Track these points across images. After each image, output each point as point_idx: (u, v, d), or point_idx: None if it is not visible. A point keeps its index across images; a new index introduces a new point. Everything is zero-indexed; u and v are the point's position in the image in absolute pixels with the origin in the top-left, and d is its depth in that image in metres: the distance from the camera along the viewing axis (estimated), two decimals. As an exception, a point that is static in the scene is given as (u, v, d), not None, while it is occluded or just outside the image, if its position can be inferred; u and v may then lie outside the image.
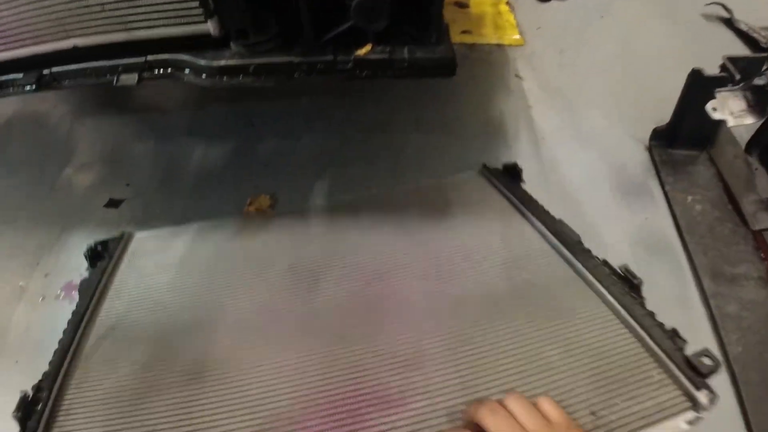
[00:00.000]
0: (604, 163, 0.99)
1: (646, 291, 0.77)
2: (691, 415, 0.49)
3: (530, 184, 0.92)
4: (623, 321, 0.58)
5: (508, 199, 0.80)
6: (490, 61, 1.19)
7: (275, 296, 0.69)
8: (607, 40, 1.24)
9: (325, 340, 0.60)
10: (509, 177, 0.85)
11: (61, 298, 0.80)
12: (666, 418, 0.49)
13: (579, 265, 0.66)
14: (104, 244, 0.79)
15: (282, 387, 0.56)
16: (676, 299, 0.79)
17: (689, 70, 0.87)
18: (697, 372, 0.51)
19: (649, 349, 0.55)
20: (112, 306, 0.70)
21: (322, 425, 0.53)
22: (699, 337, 0.73)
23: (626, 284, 0.63)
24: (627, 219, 0.90)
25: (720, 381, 0.66)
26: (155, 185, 0.95)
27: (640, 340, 0.56)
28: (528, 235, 0.73)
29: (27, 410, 0.58)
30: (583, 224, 0.87)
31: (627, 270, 0.63)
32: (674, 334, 0.56)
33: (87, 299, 0.69)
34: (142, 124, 1.08)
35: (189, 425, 0.55)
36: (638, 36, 1.25)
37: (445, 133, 1.06)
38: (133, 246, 0.80)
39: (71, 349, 0.64)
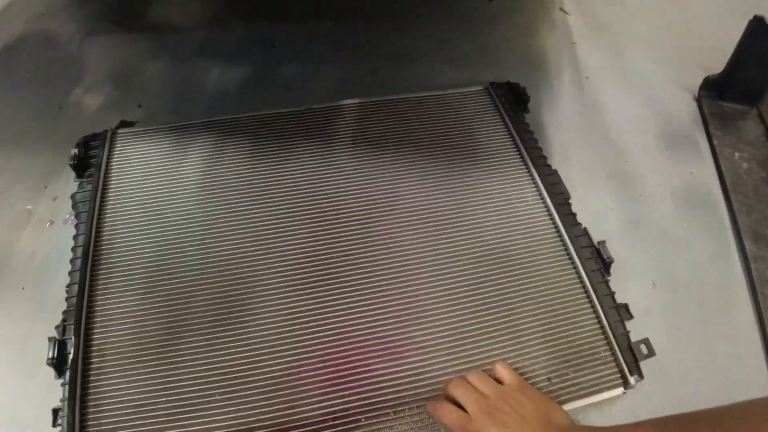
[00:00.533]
0: (649, 110, 0.94)
1: (686, 246, 0.77)
2: (620, 391, 0.60)
3: (573, 126, 0.91)
4: (589, 297, 0.65)
5: (509, 130, 0.80)
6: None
7: (278, 224, 0.69)
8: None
9: (334, 286, 0.63)
10: (514, 101, 0.83)
11: (69, 222, 0.76)
12: (602, 390, 0.59)
13: (563, 231, 0.69)
14: (87, 145, 0.75)
15: (297, 333, 0.60)
16: (715, 257, 0.76)
17: (750, 17, 0.81)
18: (634, 357, 0.60)
19: (603, 328, 0.63)
20: (114, 231, 0.68)
21: (334, 370, 0.58)
22: (734, 300, 0.72)
23: (599, 260, 0.67)
24: (670, 171, 0.86)
25: (751, 345, 0.67)
26: (168, 107, 0.89)
27: (598, 318, 0.63)
28: (524, 185, 0.75)
29: (60, 356, 0.58)
30: (625, 172, 0.88)
31: (602, 246, 0.68)
32: (626, 311, 0.64)
33: (87, 224, 0.67)
34: (155, 43, 1.01)
35: (218, 367, 0.58)
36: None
37: (480, 66, 0.99)
38: (120, 148, 0.76)
39: (86, 284, 0.62)
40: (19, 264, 0.75)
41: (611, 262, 0.67)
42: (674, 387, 0.64)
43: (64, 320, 0.61)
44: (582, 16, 1.07)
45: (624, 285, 0.69)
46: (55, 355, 0.57)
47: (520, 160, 0.76)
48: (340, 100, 0.81)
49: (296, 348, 0.59)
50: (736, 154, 0.86)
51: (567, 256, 0.67)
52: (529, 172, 0.75)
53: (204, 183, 0.72)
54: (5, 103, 0.92)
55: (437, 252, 0.67)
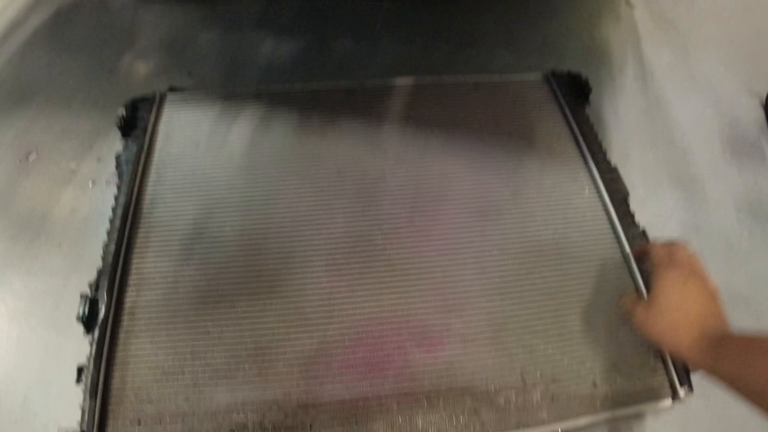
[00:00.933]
0: (715, 113, 0.90)
1: (746, 259, 0.74)
2: (668, 403, 0.55)
3: (634, 123, 0.87)
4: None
5: (568, 122, 0.75)
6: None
7: (322, 200, 0.66)
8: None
9: (374, 267, 0.61)
10: (575, 92, 0.78)
11: (112, 183, 0.77)
12: (649, 400, 0.55)
13: (619, 230, 0.64)
14: (135, 108, 0.74)
15: (334, 311, 0.58)
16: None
17: None
18: (685, 368, 0.56)
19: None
20: (156, 194, 0.67)
21: (368, 353, 0.56)
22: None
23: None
24: (734, 178, 0.83)
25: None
26: (219, 77, 0.89)
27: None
28: (580, 179, 0.70)
29: (90, 313, 0.57)
30: (686, 175, 0.84)
31: None
32: None
33: (129, 185, 0.66)
34: (209, 13, 1.01)
35: (249, 338, 0.56)
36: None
37: (539, 55, 0.95)
38: (168, 112, 0.75)
39: (123, 244, 0.62)
40: (58, 221, 0.75)
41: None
42: (724, 404, 0.60)
43: (97, 279, 0.60)
44: (648, 12, 1.02)
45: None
46: (86, 313, 0.56)
47: (578, 152, 0.71)
48: (393, 79, 0.79)
49: (331, 325, 0.57)
50: (806, 160, 0.82)
51: (622, 257, 0.63)
52: (587, 165, 0.70)
53: (250, 152, 0.70)
54: (57, 64, 0.94)
55: (484, 241, 0.63)
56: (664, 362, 0.56)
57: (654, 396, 0.55)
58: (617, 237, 0.64)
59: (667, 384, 0.56)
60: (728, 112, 0.90)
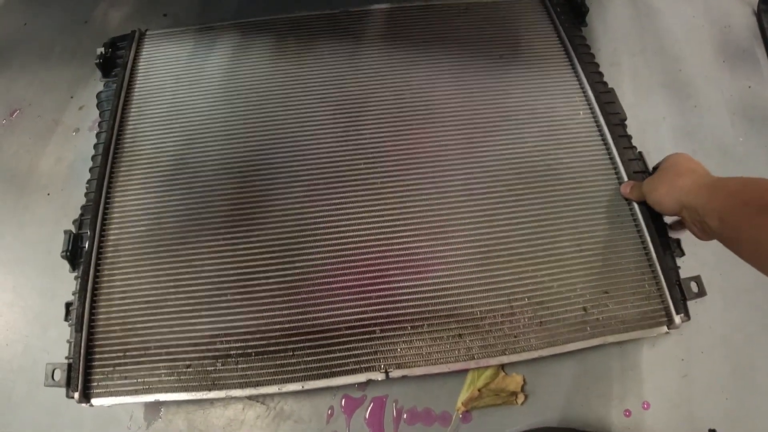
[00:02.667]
0: (706, 21, 0.90)
1: (741, 159, 0.75)
2: (663, 329, 0.56)
3: (624, 31, 0.87)
4: (638, 226, 0.60)
5: (563, 43, 0.73)
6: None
7: (303, 126, 0.66)
8: None
9: (358, 193, 0.61)
10: (571, 12, 0.77)
11: (95, 129, 0.77)
12: (642, 327, 0.55)
13: (615, 153, 0.63)
14: (114, 46, 0.75)
15: (317, 238, 0.59)
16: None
17: None
18: (682, 294, 0.56)
19: (650, 260, 0.58)
20: (137, 129, 0.67)
21: (351, 279, 0.56)
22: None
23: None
24: (728, 84, 0.83)
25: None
26: (194, 15, 0.89)
27: (646, 249, 0.59)
28: (575, 102, 0.69)
29: (74, 249, 0.59)
30: (679, 83, 0.83)
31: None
32: (678, 246, 0.59)
33: (110, 121, 0.67)
34: None
35: (232, 267, 0.57)
36: None
37: None
38: (147, 49, 0.75)
39: (105, 179, 0.63)
40: (44, 171, 0.77)
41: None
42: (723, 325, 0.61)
43: (81, 215, 0.61)
44: None
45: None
46: (69, 248, 0.58)
47: (573, 75, 0.70)
48: (379, 3, 0.77)
49: (313, 253, 0.57)
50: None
51: (617, 180, 0.62)
52: (582, 88, 0.68)
53: (229, 83, 0.70)
54: (32, 18, 0.94)
55: (474, 164, 0.62)
56: (659, 288, 0.56)
57: (648, 323, 0.55)
58: (613, 161, 0.63)
59: (662, 310, 0.56)
60: (720, 19, 0.91)
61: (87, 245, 0.58)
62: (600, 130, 0.65)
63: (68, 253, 0.58)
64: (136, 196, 0.62)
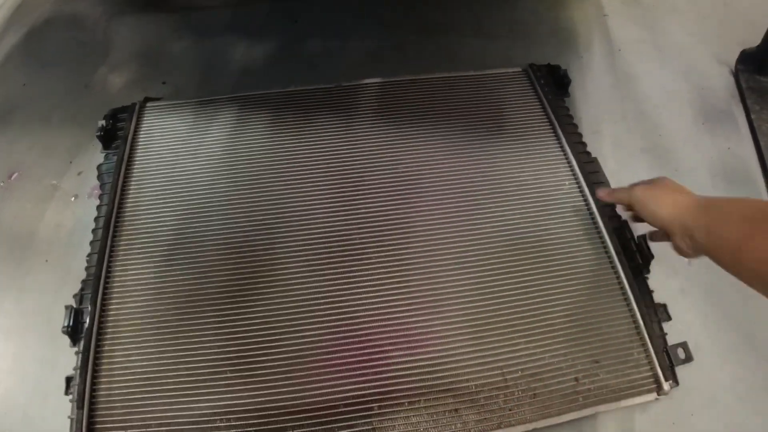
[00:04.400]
0: (685, 84, 0.95)
1: None
2: (652, 397, 0.59)
3: (604, 99, 0.92)
4: (625, 295, 0.64)
5: (547, 114, 0.79)
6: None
7: (301, 202, 0.70)
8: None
9: (353, 269, 0.65)
10: (554, 84, 0.83)
11: (94, 196, 0.80)
12: (632, 395, 0.58)
13: (600, 222, 0.68)
14: (114, 117, 0.79)
15: (314, 315, 0.62)
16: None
17: None
18: (669, 361, 0.60)
19: (638, 329, 0.62)
20: (138, 202, 0.71)
21: (348, 356, 0.59)
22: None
23: (639, 255, 0.66)
24: (708, 146, 0.87)
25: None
26: (193, 84, 0.93)
27: (634, 318, 0.62)
28: (560, 173, 0.74)
29: (75, 324, 0.62)
30: (660, 148, 0.88)
31: (643, 240, 0.65)
32: (665, 311, 0.63)
33: (110, 194, 0.70)
34: (180, 22, 1.06)
35: (231, 344, 0.60)
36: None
37: (508, 39, 1.01)
38: (147, 120, 0.79)
39: (106, 253, 0.66)
40: (43, 237, 0.80)
41: (652, 258, 0.65)
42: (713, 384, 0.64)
43: (82, 289, 0.64)
44: (613, -12, 1.06)
45: (658, 262, 0.66)
46: (71, 324, 0.60)
47: (558, 145, 0.75)
48: (369, 78, 0.82)
49: (312, 330, 0.60)
50: (775, 129, 0.84)
51: (604, 249, 0.66)
52: (567, 158, 0.73)
53: (229, 158, 0.74)
54: (33, 82, 0.99)
55: (465, 238, 0.66)
56: (648, 356, 0.60)
57: (638, 390, 0.59)
58: (598, 230, 0.67)
59: (651, 377, 0.59)
60: (698, 82, 0.95)
61: (87, 321, 0.61)
62: (585, 200, 0.70)
63: (69, 329, 0.60)
64: (136, 270, 0.65)
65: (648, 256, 0.65)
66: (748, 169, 0.84)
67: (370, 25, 1.03)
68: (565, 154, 0.74)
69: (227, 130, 0.78)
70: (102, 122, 0.77)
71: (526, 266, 0.65)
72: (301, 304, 0.62)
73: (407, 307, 0.62)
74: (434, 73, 0.84)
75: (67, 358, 0.60)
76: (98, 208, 0.70)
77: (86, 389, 0.57)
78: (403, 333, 0.60)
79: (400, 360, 0.59)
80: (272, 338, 0.60)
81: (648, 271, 0.65)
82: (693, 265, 0.72)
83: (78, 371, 0.58)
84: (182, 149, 0.76)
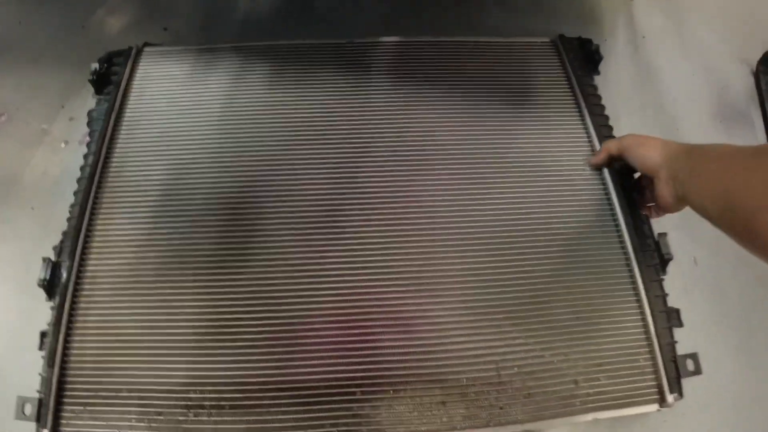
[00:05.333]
0: (705, 80, 0.95)
1: None
2: (654, 408, 0.55)
3: (624, 87, 0.90)
4: (637, 296, 0.59)
5: (573, 91, 0.73)
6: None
7: (297, 166, 0.66)
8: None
9: (347, 243, 0.61)
10: (584, 60, 0.77)
11: (85, 143, 0.78)
12: (633, 405, 0.55)
13: (619, 215, 0.63)
14: (110, 61, 0.74)
15: (301, 289, 0.58)
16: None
17: None
18: (677, 371, 0.56)
19: (647, 333, 0.58)
20: (126, 154, 0.67)
21: (334, 336, 0.57)
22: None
23: (657, 254, 0.61)
24: None
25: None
26: (195, 32, 0.89)
27: (644, 321, 0.58)
28: (582, 156, 0.69)
29: (52, 278, 0.59)
30: (675, 141, 0.82)
31: (662, 239, 0.62)
32: (677, 317, 0.59)
33: (98, 143, 0.67)
34: None
35: (211, 312, 0.58)
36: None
37: (530, 14, 0.98)
38: (143, 67, 0.75)
39: (88, 206, 0.63)
40: (30, 183, 0.77)
41: (669, 259, 0.60)
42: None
43: (61, 242, 0.61)
44: (642, -26, 1.02)
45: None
46: (47, 277, 0.58)
47: (582, 127, 0.70)
48: (386, 37, 0.77)
49: (299, 305, 0.57)
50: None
51: (620, 244, 0.61)
52: (590, 141, 0.68)
53: (226, 112, 0.70)
54: (27, 20, 0.94)
55: (471, 218, 0.62)
56: (654, 364, 0.56)
57: (639, 400, 0.55)
58: (616, 223, 0.62)
59: (654, 387, 0.56)
60: (719, 79, 0.94)
61: (65, 275, 0.59)
62: (605, 189, 0.65)
63: (46, 282, 0.58)
64: (119, 226, 0.62)
65: (665, 258, 0.60)
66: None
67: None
68: (589, 138, 0.69)
69: (227, 81, 0.73)
70: (95, 65, 0.72)
71: (535, 254, 0.60)
72: (289, 276, 0.59)
73: (401, 288, 0.58)
74: (455, 37, 0.77)
75: (44, 310, 0.58)
76: (85, 156, 0.67)
77: (58, 348, 0.55)
78: (394, 316, 0.57)
79: (388, 344, 0.56)
80: (256, 310, 0.57)
81: (665, 273, 0.61)
82: (699, 266, 0.71)
83: (51, 328, 0.56)
84: (178, 100, 0.71)
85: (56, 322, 0.56)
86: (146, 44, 0.77)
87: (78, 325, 0.57)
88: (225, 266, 0.60)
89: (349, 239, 0.61)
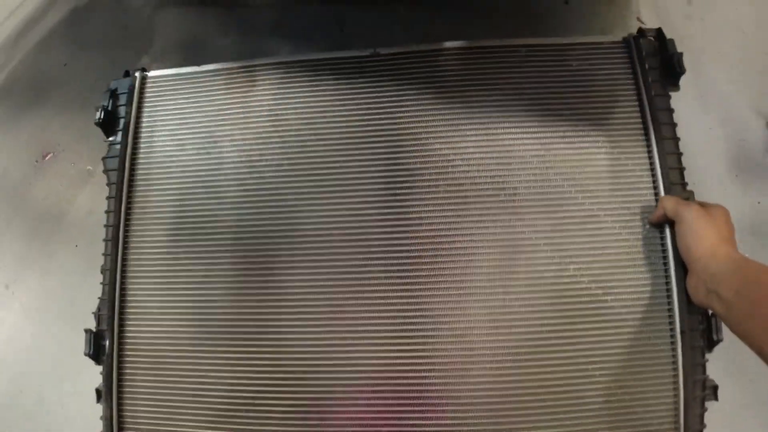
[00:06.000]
0: (722, 132, 0.95)
1: None
2: None
3: None
4: (675, 378, 0.55)
5: (641, 106, 0.62)
6: (610, -1, 1.08)
7: (341, 188, 0.62)
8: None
9: (377, 316, 0.58)
10: (662, 67, 0.63)
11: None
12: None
13: (673, 285, 0.56)
14: (114, 97, 0.69)
15: (330, 363, 0.58)
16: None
17: None
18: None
19: (676, 422, 0.54)
20: (146, 200, 0.66)
21: (363, 413, 0.57)
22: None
23: (706, 333, 0.56)
24: (739, 198, 0.90)
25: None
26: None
27: (676, 408, 0.55)
28: (642, 206, 0.59)
29: (96, 347, 0.63)
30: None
31: (715, 318, 0.56)
32: (713, 393, 0.55)
33: (116, 199, 0.66)
34: (226, 18, 1.01)
35: (245, 383, 0.59)
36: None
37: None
38: (150, 99, 0.70)
39: (118, 269, 0.64)
40: (75, 221, 0.82)
41: (719, 341, 0.55)
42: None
43: (99, 309, 0.64)
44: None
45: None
46: (92, 349, 0.62)
47: (647, 164, 0.59)
48: (422, 45, 0.68)
49: (325, 379, 0.58)
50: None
51: (668, 318, 0.55)
52: (655, 185, 0.59)
53: (247, 139, 0.66)
54: (74, 63, 0.96)
55: (504, 288, 0.57)
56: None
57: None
58: (669, 294, 0.55)
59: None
60: (736, 131, 0.95)
61: (107, 345, 0.62)
62: (664, 251, 0.57)
63: (92, 352, 0.62)
64: (148, 290, 0.63)
65: (714, 340, 0.55)
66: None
67: (417, 35, 0.98)
68: (653, 179, 0.59)
69: (246, 104, 0.67)
70: (100, 112, 0.68)
71: (574, 331, 0.56)
72: (313, 351, 0.59)
73: (428, 366, 0.56)
74: (503, 40, 0.66)
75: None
76: (107, 214, 0.66)
77: (113, 415, 0.61)
78: (419, 395, 0.56)
79: (412, 425, 0.56)
80: (285, 382, 0.58)
81: (710, 351, 0.56)
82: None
83: (103, 398, 0.61)
84: (192, 132, 0.67)
85: (107, 392, 0.61)
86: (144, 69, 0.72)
87: (126, 391, 0.62)
88: (255, 337, 0.60)
89: (378, 314, 0.58)
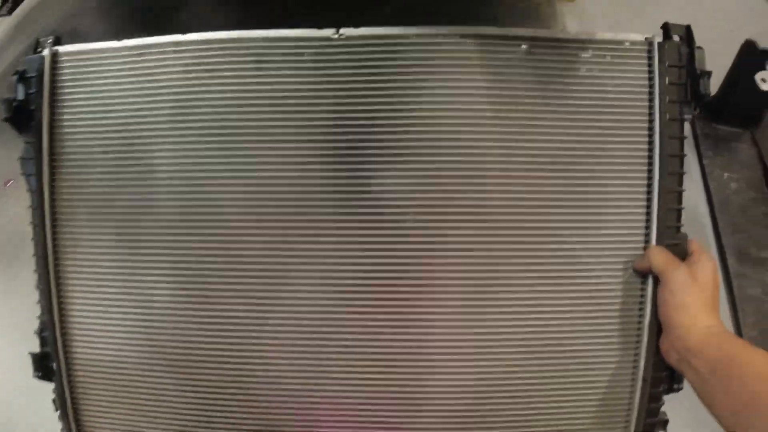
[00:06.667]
0: None
1: None
2: None
3: None
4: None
5: (650, 144, 0.54)
6: (538, 16, 1.10)
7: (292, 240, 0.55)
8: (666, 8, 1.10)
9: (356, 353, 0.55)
10: (689, 87, 0.54)
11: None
12: None
13: (643, 345, 0.55)
14: (24, 82, 0.57)
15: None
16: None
17: (742, 41, 0.87)
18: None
19: None
20: (73, 208, 0.58)
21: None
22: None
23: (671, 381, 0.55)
24: None
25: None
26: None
27: None
28: (630, 253, 0.54)
29: (44, 369, 0.61)
30: None
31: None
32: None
33: (38, 209, 0.58)
34: None
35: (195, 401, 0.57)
36: (700, 5, 1.10)
37: None
38: (65, 81, 0.57)
39: (52, 289, 0.59)
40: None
41: (679, 389, 0.55)
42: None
43: (41, 329, 0.60)
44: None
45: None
46: (41, 372, 0.60)
47: (643, 205, 0.54)
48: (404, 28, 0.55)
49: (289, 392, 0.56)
50: (725, 175, 0.92)
51: (633, 364, 0.55)
52: (647, 229, 0.54)
53: (184, 126, 0.56)
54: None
55: (485, 328, 0.54)
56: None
57: None
58: (638, 340, 0.54)
59: None
60: None
61: (55, 367, 0.59)
62: (641, 305, 0.54)
63: (41, 375, 0.60)
64: (85, 308, 0.59)
65: (675, 388, 0.55)
66: (697, 212, 0.88)
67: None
68: (647, 223, 0.54)
69: (186, 85, 0.56)
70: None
71: (562, 382, 0.55)
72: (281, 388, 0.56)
73: (418, 411, 0.55)
74: (501, 29, 0.54)
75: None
76: (33, 228, 0.58)
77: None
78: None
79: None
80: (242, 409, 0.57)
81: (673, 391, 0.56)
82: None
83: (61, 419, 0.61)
84: (113, 124, 0.57)
85: (63, 413, 0.60)
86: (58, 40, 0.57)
87: (84, 415, 0.61)
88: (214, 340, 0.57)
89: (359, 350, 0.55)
